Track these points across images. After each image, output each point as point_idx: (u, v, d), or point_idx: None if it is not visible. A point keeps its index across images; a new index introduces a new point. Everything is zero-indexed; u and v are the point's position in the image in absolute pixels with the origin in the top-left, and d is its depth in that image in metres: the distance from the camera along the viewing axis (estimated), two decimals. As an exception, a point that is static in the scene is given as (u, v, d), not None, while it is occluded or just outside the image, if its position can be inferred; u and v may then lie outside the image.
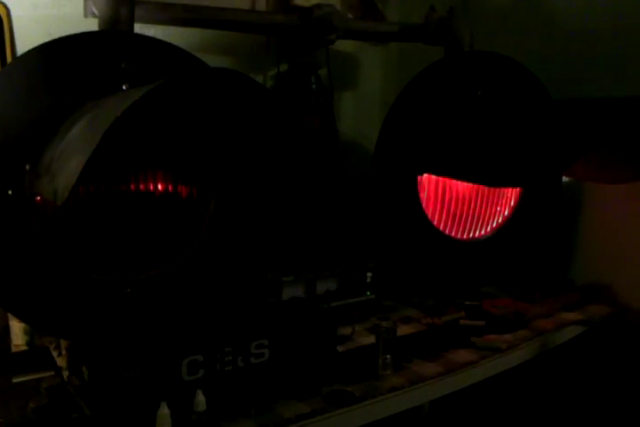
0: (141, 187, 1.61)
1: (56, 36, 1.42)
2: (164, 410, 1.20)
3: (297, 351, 1.50)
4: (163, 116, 1.58)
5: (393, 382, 1.58)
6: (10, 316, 1.63)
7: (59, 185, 1.19)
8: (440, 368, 1.67)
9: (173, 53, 1.59)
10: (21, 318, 1.49)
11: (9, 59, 1.80)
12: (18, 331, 1.65)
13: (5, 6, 1.80)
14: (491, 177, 2.08)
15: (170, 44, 1.59)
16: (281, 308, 1.68)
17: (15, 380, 1.37)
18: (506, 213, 2.25)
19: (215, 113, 1.54)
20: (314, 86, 2.20)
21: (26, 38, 1.81)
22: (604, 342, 2.12)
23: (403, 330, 1.90)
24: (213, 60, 1.73)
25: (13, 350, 1.66)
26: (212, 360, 1.36)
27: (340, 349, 1.70)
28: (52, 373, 1.40)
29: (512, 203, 2.25)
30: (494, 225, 2.24)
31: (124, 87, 1.51)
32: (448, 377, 1.65)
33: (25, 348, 1.65)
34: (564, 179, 2.28)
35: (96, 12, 1.61)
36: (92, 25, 1.60)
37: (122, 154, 1.55)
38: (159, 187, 1.63)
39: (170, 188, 1.65)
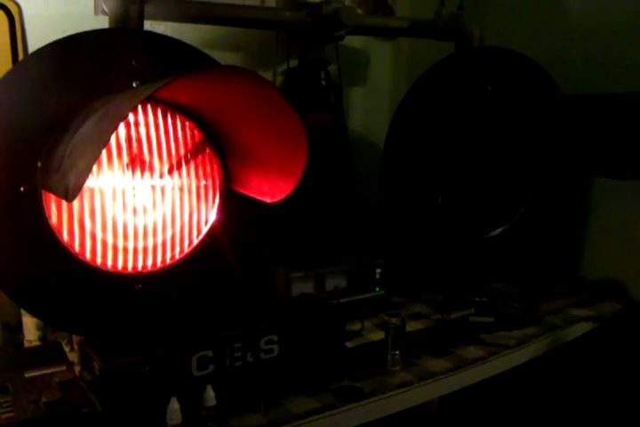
0: (152, 182, 1.62)
1: (68, 33, 1.44)
2: (175, 405, 1.21)
3: (306, 347, 1.51)
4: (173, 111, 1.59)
5: (402, 377, 1.58)
6: (22, 311, 1.65)
7: (69, 183, 1.20)
8: (449, 364, 1.67)
9: (183, 51, 1.60)
10: (34, 314, 1.51)
11: (21, 56, 1.81)
12: (30, 326, 1.67)
13: (17, 4, 1.81)
14: (500, 173, 2.08)
15: (180, 41, 1.60)
16: (290, 304, 1.68)
17: (27, 375, 1.38)
18: (517, 208, 2.24)
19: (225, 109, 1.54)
20: (323, 82, 2.19)
21: (37, 36, 1.82)
22: (615, 339, 2.11)
23: (412, 326, 1.90)
24: (223, 57, 1.73)
25: (26, 345, 1.68)
26: (222, 356, 1.37)
27: (349, 345, 1.71)
28: (65, 368, 1.41)
29: (523, 199, 2.24)
30: (505, 221, 2.23)
31: (134, 84, 1.52)
32: (457, 373, 1.65)
33: (37, 343, 1.67)
34: (575, 174, 2.27)
35: (106, 9, 1.62)
36: (103, 22, 1.61)
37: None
38: (170, 183, 1.64)
39: (180, 183, 1.65)
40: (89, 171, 1.15)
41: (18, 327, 1.70)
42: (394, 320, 1.60)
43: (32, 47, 1.82)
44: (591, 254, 2.30)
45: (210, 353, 1.35)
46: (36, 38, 1.81)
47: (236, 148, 1.62)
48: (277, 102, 1.34)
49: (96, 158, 1.15)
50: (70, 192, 1.20)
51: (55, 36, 1.43)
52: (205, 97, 1.48)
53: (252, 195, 1.59)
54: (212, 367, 1.35)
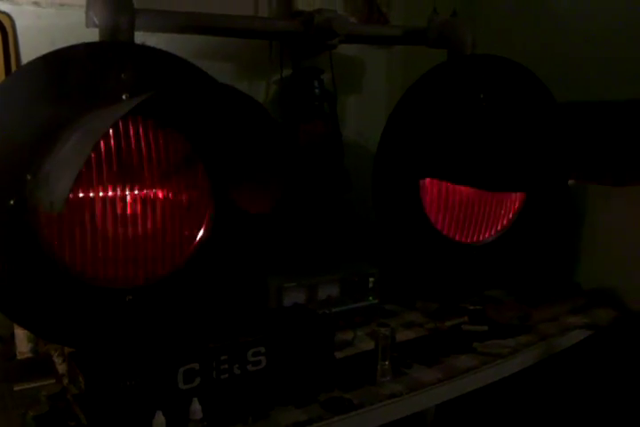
0: (142, 194, 1.62)
1: (60, 45, 1.44)
2: (160, 419, 1.22)
3: (294, 358, 1.51)
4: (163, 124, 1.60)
5: (391, 388, 1.58)
6: (14, 324, 1.66)
7: (54, 196, 1.21)
8: (440, 374, 1.67)
9: (173, 63, 1.60)
10: (24, 326, 1.52)
11: (14, 68, 1.82)
12: (22, 338, 1.67)
13: (9, 16, 1.82)
14: (493, 182, 2.07)
15: (170, 53, 1.60)
16: (277, 314, 1.68)
17: (16, 388, 1.39)
18: (510, 216, 2.24)
19: (212, 120, 1.55)
20: (317, 91, 2.20)
21: (30, 48, 1.83)
22: (611, 347, 2.10)
23: (405, 335, 1.90)
24: (216, 67, 1.73)
25: (18, 356, 1.68)
26: (209, 368, 1.37)
27: (340, 355, 1.71)
28: (53, 380, 1.42)
29: (516, 206, 2.24)
30: (499, 228, 2.23)
31: (123, 97, 1.52)
32: (447, 383, 1.65)
33: (29, 355, 1.68)
34: (569, 181, 2.26)
35: (97, 21, 1.63)
36: (94, 35, 1.62)
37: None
38: (160, 194, 1.65)
39: (170, 195, 1.66)
40: (70, 185, 1.16)
41: (10, 339, 1.71)
42: (383, 330, 1.60)
43: (25, 59, 1.83)
44: (586, 261, 2.29)
45: (196, 366, 1.35)
46: (29, 50, 1.82)
47: (222, 160, 1.62)
48: (260, 117, 1.35)
49: (76, 173, 1.15)
50: (55, 205, 1.21)
51: (47, 48, 1.44)
52: (193, 111, 1.49)
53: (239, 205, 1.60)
54: (198, 380, 1.36)
